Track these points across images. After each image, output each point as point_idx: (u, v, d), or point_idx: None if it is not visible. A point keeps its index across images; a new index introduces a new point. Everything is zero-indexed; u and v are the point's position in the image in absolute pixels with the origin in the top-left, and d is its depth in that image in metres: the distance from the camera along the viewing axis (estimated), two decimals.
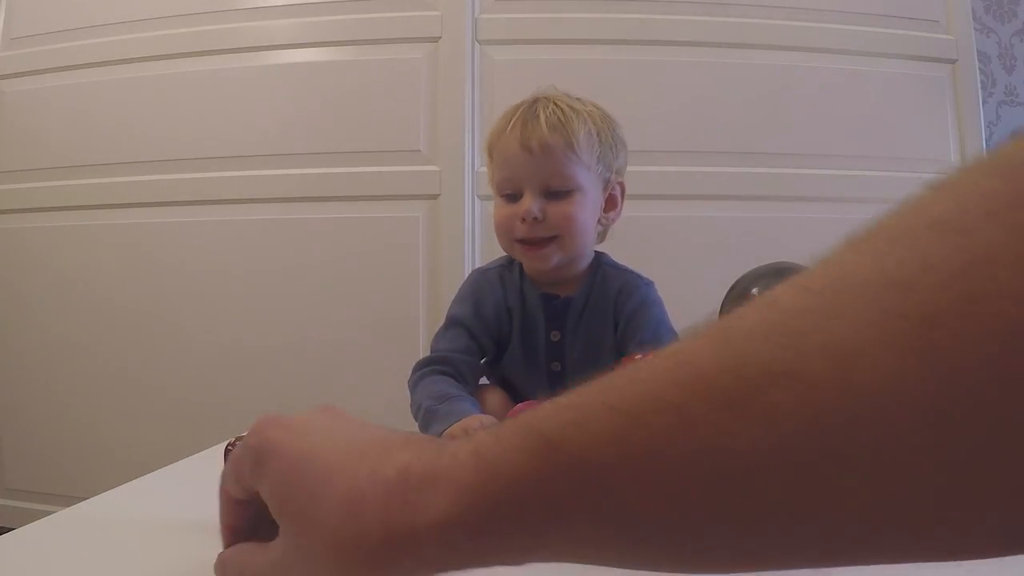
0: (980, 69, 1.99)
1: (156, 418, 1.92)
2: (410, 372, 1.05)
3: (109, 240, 1.97)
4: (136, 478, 0.82)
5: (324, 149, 1.87)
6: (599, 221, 1.07)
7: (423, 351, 1.83)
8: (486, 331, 1.07)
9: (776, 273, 0.58)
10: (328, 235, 1.87)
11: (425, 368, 1.03)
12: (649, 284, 1.09)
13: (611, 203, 1.08)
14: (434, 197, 1.84)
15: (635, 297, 1.06)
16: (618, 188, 1.09)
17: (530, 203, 1.00)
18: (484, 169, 1.82)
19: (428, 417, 0.94)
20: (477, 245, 1.84)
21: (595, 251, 1.12)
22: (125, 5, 1.97)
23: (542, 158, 0.99)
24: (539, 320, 1.07)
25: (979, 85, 1.91)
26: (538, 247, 1.02)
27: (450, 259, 1.83)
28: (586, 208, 1.02)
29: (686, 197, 1.82)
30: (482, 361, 1.10)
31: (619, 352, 1.06)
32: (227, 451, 0.64)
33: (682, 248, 1.81)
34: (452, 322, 1.08)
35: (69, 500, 0.73)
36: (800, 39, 1.86)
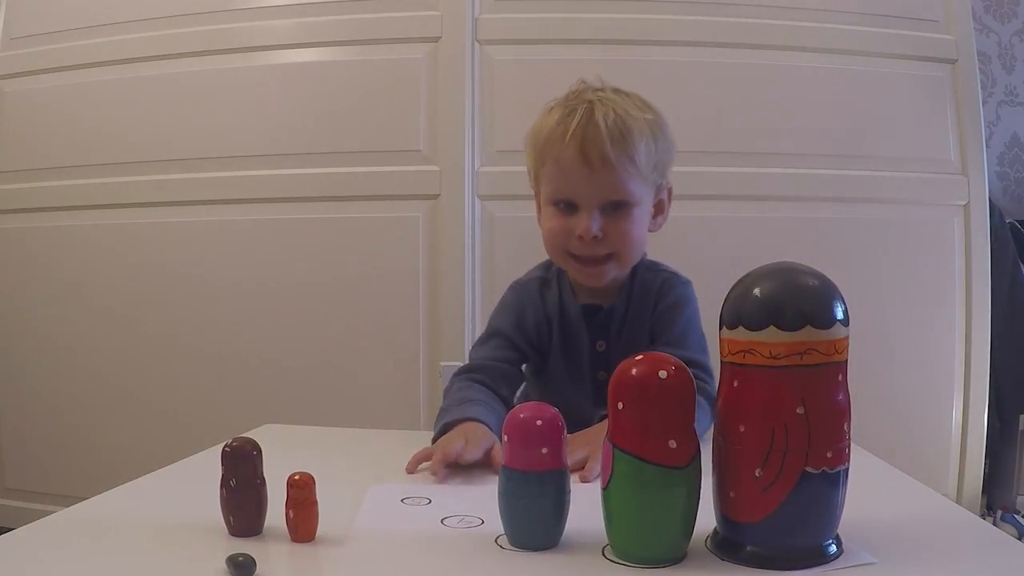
0: (980, 69, 1.99)
1: (156, 418, 1.92)
2: (448, 381, 1.06)
3: (109, 240, 1.97)
4: (136, 478, 0.83)
5: (324, 149, 1.87)
6: (648, 228, 1.06)
7: (423, 351, 1.85)
8: (527, 342, 1.07)
9: (777, 273, 0.58)
10: (328, 235, 1.87)
11: (460, 375, 1.04)
12: (687, 283, 1.09)
13: (659, 208, 1.07)
14: (434, 197, 1.84)
15: (670, 296, 1.06)
16: (666, 192, 1.07)
17: (588, 221, 0.97)
18: (484, 169, 1.83)
19: (441, 414, 0.97)
20: (477, 245, 1.84)
21: None
22: (125, 5, 1.97)
23: (603, 173, 0.96)
24: (581, 331, 1.06)
25: (979, 85, 1.91)
26: (594, 264, 1.00)
27: (450, 259, 1.83)
28: (642, 223, 1.01)
29: (687, 197, 1.80)
30: (523, 367, 1.10)
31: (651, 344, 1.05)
32: (224, 452, 0.64)
33: (682, 248, 1.79)
34: (493, 333, 1.09)
35: (69, 500, 0.73)
36: (800, 39, 1.85)
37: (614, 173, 0.96)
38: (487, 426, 0.91)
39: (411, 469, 0.85)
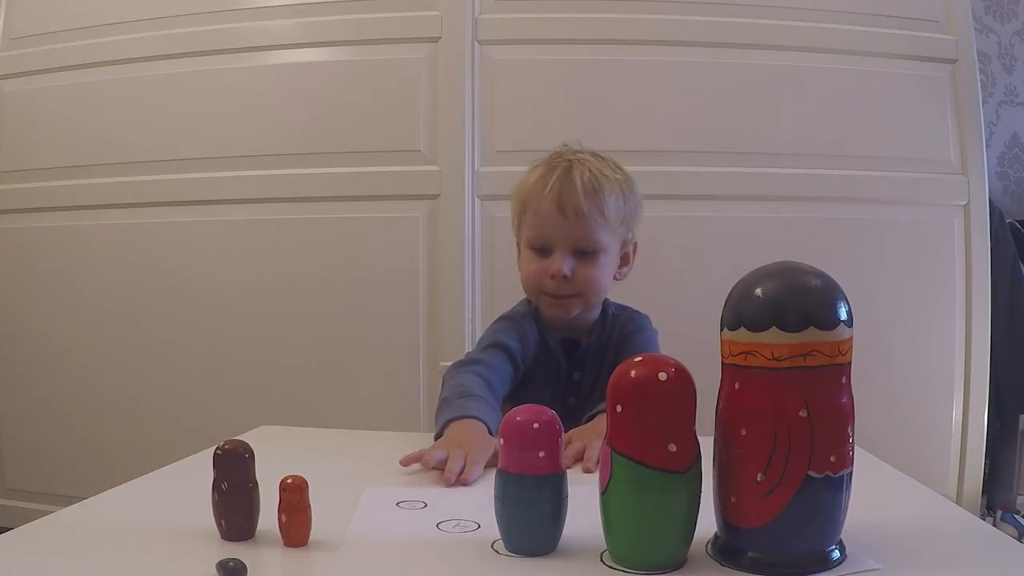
0: (980, 69, 1.98)
1: (156, 418, 1.92)
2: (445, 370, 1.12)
3: (109, 240, 1.96)
4: (134, 479, 0.82)
5: (324, 149, 1.87)
6: (614, 276, 1.18)
7: (424, 351, 1.84)
8: (524, 361, 1.15)
9: (780, 273, 0.58)
10: (328, 235, 1.87)
11: (460, 368, 1.10)
12: (645, 317, 1.23)
13: (625, 259, 1.19)
14: (434, 197, 1.83)
15: (630, 325, 1.19)
16: (632, 247, 1.20)
17: (560, 263, 1.10)
18: (484, 169, 1.83)
19: (442, 406, 1.01)
20: (477, 245, 1.83)
21: None
22: (125, 5, 1.97)
23: (575, 222, 1.09)
24: (560, 362, 1.17)
25: (979, 85, 1.91)
26: (563, 299, 1.13)
27: (450, 259, 1.82)
28: (607, 269, 1.14)
29: (686, 197, 1.82)
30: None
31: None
32: (216, 455, 0.63)
33: (682, 248, 1.80)
34: (494, 343, 1.15)
35: (69, 500, 0.73)
36: (800, 39, 1.85)
37: (585, 223, 1.09)
38: (487, 425, 0.94)
39: (406, 463, 0.86)
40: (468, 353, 1.17)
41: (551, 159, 1.15)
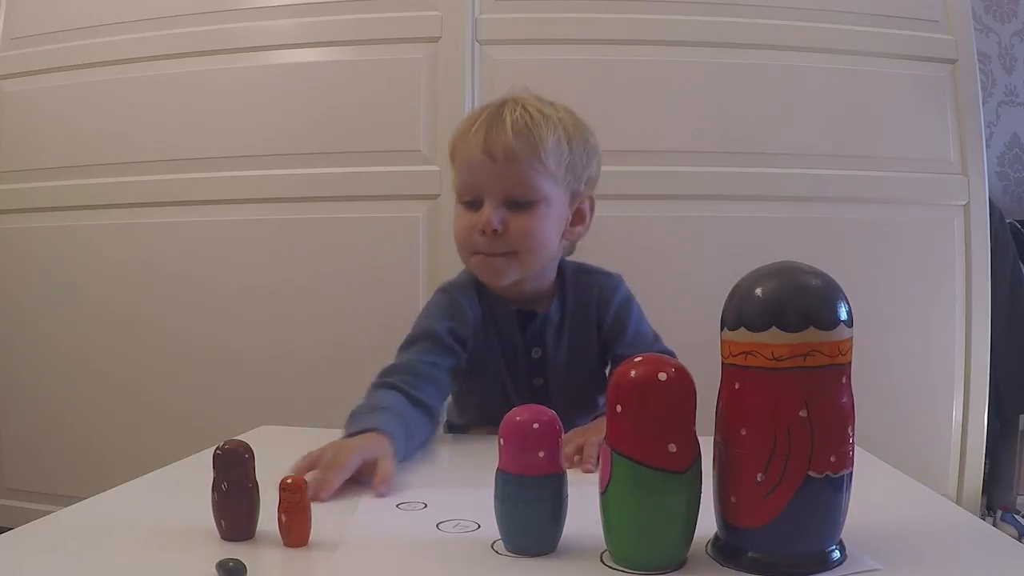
0: (980, 69, 1.98)
1: (156, 418, 1.92)
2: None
3: (109, 240, 1.96)
4: (134, 479, 0.82)
5: (324, 149, 1.87)
6: (564, 236, 1.01)
7: None
8: (460, 343, 1.01)
9: (780, 273, 0.58)
10: (328, 235, 1.87)
11: (381, 378, 0.98)
12: (620, 279, 1.07)
13: (579, 217, 1.02)
14: (434, 197, 1.83)
15: (614, 301, 1.03)
16: (587, 202, 1.03)
17: (489, 213, 0.94)
18: None
19: (348, 420, 0.92)
20: None
21: None
22: (125, 5, 1.97)
23: (505, 166, 0.93)
24: (516, 338, 1.03)
25: (979, 85, 1.91)
26: (493, 258, 0.97)
27: (450, 259, 1.81)
28: (549, 222, 0.96)
29: (686, 197, 1.82)
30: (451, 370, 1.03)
31: (603, 352, 1.03)
32: (216, 455, 0.63)
33: (683, 248, 1.80)
34: (419, 335, 1.01)
35: (69, 500, 0.73)
36: (800, 39, 1.85)
37: (518, 166, 0.93)
38: (390, 436, 0.83)
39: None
40: (397, 351, 1.04)
41: (487, 104, 1.00)
